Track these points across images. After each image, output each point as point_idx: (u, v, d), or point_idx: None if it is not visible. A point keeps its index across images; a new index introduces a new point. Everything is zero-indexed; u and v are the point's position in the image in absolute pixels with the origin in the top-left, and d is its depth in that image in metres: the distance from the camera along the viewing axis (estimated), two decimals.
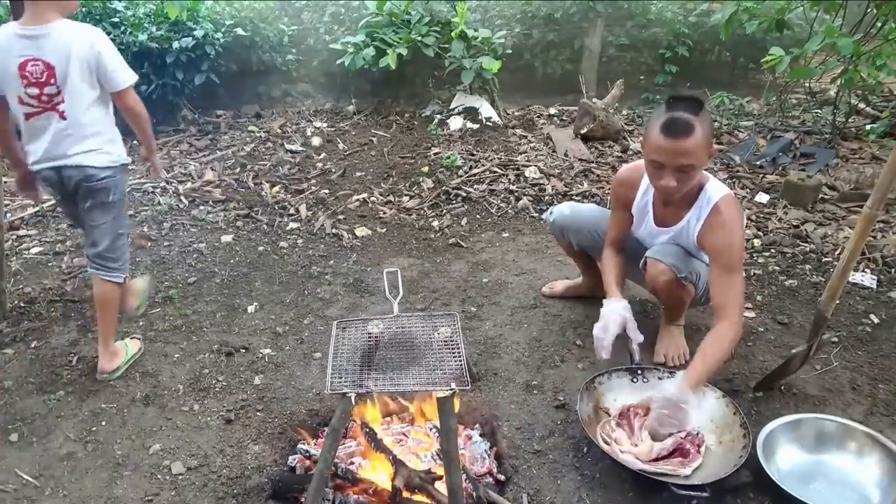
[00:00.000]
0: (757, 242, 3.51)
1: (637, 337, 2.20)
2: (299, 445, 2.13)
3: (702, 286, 2.33)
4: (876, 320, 2.81)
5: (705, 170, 2.13)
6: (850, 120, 5.10)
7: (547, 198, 4.14)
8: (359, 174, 4.54)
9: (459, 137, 5.05)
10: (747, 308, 2.90)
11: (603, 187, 4.30)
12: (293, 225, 3.83)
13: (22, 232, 3.71)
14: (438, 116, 5.32)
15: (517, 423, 2.22)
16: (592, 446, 2.05)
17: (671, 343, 2.52)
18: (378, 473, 1.97)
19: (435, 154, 4.72)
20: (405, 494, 1.84)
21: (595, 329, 2.21)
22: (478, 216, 3.91)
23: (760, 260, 3.35)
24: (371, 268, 3.31)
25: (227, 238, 3.64)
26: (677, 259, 2.24)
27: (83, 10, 4.95)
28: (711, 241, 2.12)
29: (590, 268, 2.81)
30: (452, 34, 5.07)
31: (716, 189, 2.14)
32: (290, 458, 2.10)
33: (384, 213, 3.99)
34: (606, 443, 1.97)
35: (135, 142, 5.17)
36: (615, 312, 2.20)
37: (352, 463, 2.01)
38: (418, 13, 5.29)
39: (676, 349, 2.51)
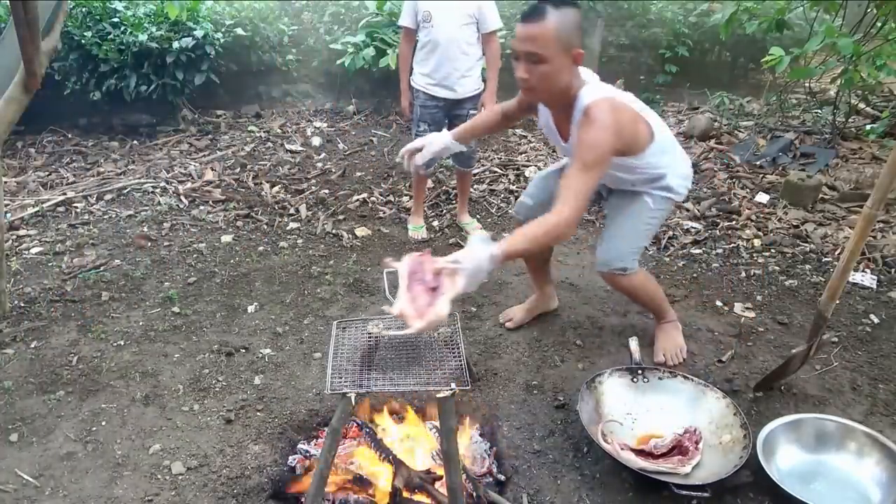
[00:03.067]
0: (757, 242, 3.51)
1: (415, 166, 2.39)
2: (299, 445, 2.13)
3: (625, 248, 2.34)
4: (876, 320, 2.81)
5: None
6: (850, 120, 5.10)
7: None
8: (359, 174, 4.55)
9: None
10: (747, 308, 2.90)
11: None
12: (293, 225, 3.83)
13: (22, 232, 3.71)
14: None
15: (517, 423, 2.22)
16: (592, 446, 2.05)
17: (668, 341, 2.53)
18: (378, 473, 1.97)
19: None
20: (405, 494, 1.84)
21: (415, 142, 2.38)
22: (478, 216, 3.90)
23: (760, 260, 3.35)
24: (371, 268, 3.31)
25: (227, 238, 3.64)
26: (607, 255, 2.32)
27: (83, 9, 4.94)
28: (578, 138, 1.99)
29: (541, 276, 2.75)
30: None
31: (590, 94, 1.99)
32: (290, 458, 2.11)
33: (384, 213, 3.99)
34: (607, 441, 1.97)
35: (135, 142, 5.19)
36: (435, 138, 2.38)
37: (352, 463, 2.01)
38: None
39: (674, 347, 2.52)
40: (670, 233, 3.61)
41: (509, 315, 2.80)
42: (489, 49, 3.34)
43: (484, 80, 3.45)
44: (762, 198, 4.04)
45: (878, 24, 4.06)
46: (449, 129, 3.46)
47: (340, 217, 3.94)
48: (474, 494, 1.86)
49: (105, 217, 3.91)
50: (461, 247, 3.51)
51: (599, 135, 1.92)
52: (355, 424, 2.14)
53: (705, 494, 1.81)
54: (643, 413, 2.17)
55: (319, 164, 4.69)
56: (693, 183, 4.27)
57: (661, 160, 2.23)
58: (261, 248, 3.54)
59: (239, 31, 5.39)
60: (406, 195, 4.21)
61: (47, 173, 4.61)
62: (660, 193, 2.31)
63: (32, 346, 2.66)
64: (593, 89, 2.02)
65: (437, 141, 2.37)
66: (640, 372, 2.24)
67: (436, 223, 3.82)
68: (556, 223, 1.84)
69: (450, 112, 3.39)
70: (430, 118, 3.37)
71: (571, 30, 1.91)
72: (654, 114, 2.23)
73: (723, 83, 6.88)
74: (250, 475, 2.02)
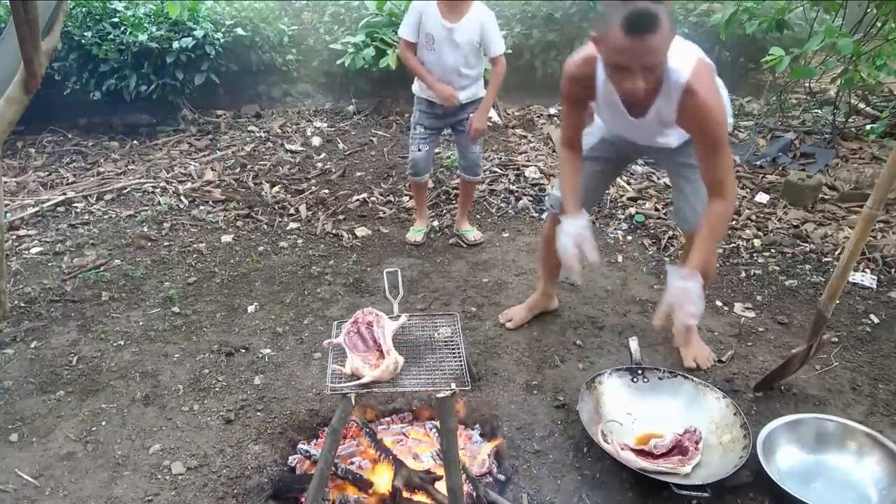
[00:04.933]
0: (757, 242, 3.51)
1: (593, 256, 2.06)
2: (299, 445, 2.13)
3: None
4: (876, 320, 2.81)
5: None
6: (850, 120, 5.10)
7: (547, 198, 4.14)
8: (359, 174, 4.54)
9: None
10: (747, 308, 2.90)
11: None
12: (293, 225, 3.83)
13: (22, 232, 3.71)
14: None
15: (517, 423, 2.22)
16: (592, 446, 2.05)
17: (697, 348, 2.51)
18: (378, 473, 1.97)
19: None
20: (405, 494, 1.84)
21: (559, 250, 2.11)
22: (477, 216, 3.90)
23: (760, 260, 3.35)
24: (371, 268, 3.31)
25: (227, 238, 3.64)
26: (692, 217, 2.20)
27: (83, 10, 4.94)
28: (692, 125, 1.91)
29: (551, 276, 2.73)
30: None
31: (681, 63, 1.83)
32: (290, 458, 2.11)
33: (384, 213, 3.99)
34: (607, 441, 1.97)
35: (135, 142, 5.19)
36: (573, 232, 2.06)
37: (352, 463, 2.01)
38: None
39: (703, 352, 2.50)
40: (670, 233, 3.61)
41: (509, 315, 2.79)
42: (495, 70, 3.23)
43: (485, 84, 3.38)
44: (762, 198, 4.04)
45: (878, 24, 4.06)
46: (452, 133, 3.44)
47: (340, 217, 3.94)
48: (474, 494, 1.86)
49: (105, 217, 3.91)
50: (461, 247, 3.54)
51: (719, 109, 1.86)
52: (355, 424, 2.14)
53: (705, 494, 1.81)
54: (643, 413, 2.17)
55: (319, 164, 4.68)
56: None
57: None
58: (261, 248, 3.54)
59: (239, 31, 5.38)
60: (406, 195, 4.21)
61: (47, 173, 4.61)
62: None
63: (32, 346, 2.66)
64: (678, 58, 1.82)
65: (578, 231, 2.09)
66: (640, 372, 2.25)
67: (436, 223, 3.82)
68: (730, 213, 1.95)
69: (453, 117, 3.33)
70: (427, 122, 3.34)
71: (671, 14, 1.73)
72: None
73: (723, 83, 6.88)
74: (250, 475, 2.02)
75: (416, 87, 3.32)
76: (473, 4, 3.05)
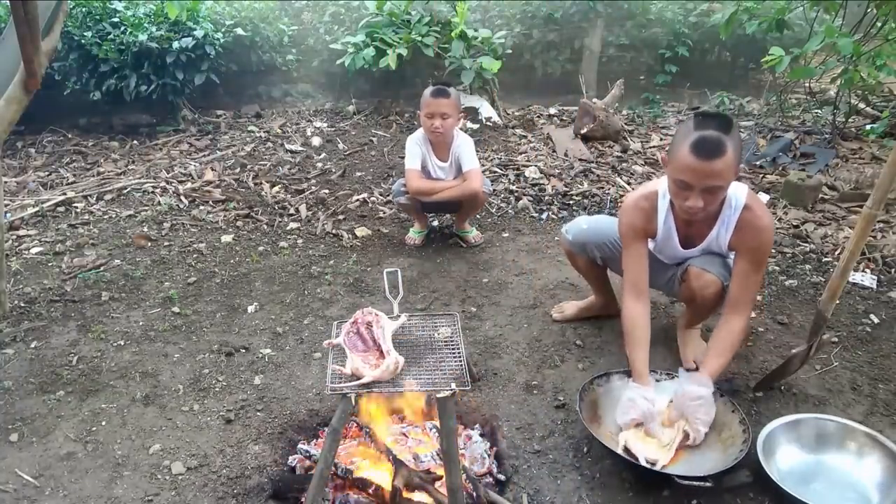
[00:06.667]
0: None
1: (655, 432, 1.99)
2: (299, 445, 2.13)
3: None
4: (876, 320, 2.81)
5: None
6: (850, 120, 5.10)
7: (547, 198, 4.14)
8: (359, 174, 4.54)
9: None
10: None
11: (603, 187, 4.30)
12: (293, 225, 3.83)
13: (22, 232, 3.71)
14: None
15: (517, 423, 2.22)
16: (592, 446, 2.05)
17: (698, 348, 2.51)
18: (378, 473, 1.96)
19: None
20: (405, 494, 1.84)
21: (617, 418, 2.04)
22: (478, 216, 3.90)
23: None
24: (371, 268, 3.31)
25: (227, 238, 3.64)
26: (722, 267, 2.19)
27: (83, 10, 4.95)
28: (744, 239, 2.06)
29: (603, 285, 2.70)
30: (452, 34, 5.07)
31: (739, 192, 2.06)
32: (290, 458, 2.11)
33: (384, 213, 3.99)
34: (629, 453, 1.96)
35: (135, 142, 5.19)
36: (641, 408, 1.99)
37: (352, 463, 2.01)
38: (418, 13, 5.28)
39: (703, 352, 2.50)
40: None
41: (561, 308, 2.84)
42: (468, 182, 3.30)
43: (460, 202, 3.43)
44: (762, 198, 4.04)
45: (878, 24, 4.06)
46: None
47: (340, 217, 3.94)
48: (474, 494, 1.86)
49: (105, 217, 3.91)
50: (461, 247, 3.54)
51: (771, 231, 2.05)
52: (355, 424, 2.14)
53: (707, 484, 1.78)
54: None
55: (319, 164, 4.69)
56: None
57: None
58: (261, 248, 3.54)
59: (239, 31, 5.39)
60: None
61: (47, 173, 4.61)
62: None
63: (32, 346, 2.66)
64: (735, 187, 2.05)
65: (644, 408, 2.00)
66: None
67: (435, 223, 3.82)
68: (744, 329, 2.09)
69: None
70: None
71: (739, 149, 1.91)
72: None
73: (723, 83, 6.89)
74: (250, 475, 2.02)
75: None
76: (455, 136, 3.33)
